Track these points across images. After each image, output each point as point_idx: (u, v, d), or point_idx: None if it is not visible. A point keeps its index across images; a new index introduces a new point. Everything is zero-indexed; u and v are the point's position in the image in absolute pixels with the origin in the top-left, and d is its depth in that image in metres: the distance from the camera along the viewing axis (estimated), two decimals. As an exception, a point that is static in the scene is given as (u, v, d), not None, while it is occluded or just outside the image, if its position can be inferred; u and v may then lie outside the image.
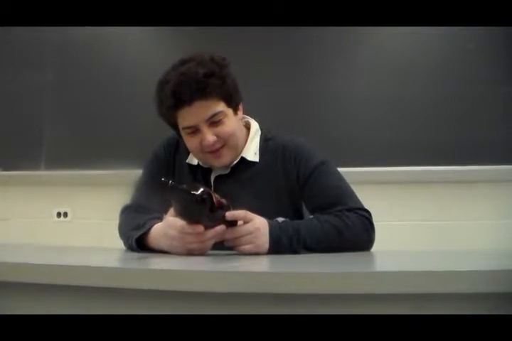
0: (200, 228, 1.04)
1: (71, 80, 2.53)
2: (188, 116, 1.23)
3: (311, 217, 1.23)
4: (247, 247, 1.08)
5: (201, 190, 1.05)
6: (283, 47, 2.33)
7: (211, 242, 1.07)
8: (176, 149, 1.39)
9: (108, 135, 2.44)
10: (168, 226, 1.10)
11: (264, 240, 1.09)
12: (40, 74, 2.54)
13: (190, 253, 1.07)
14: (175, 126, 1.29)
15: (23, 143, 2.52)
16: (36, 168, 2.49)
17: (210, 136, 1.23)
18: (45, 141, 2.51)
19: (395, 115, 2.24)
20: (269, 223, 1.11)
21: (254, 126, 1.39)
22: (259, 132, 1.39)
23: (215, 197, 1.06)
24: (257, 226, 1.09)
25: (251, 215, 1.09)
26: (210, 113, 1.23)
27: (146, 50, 2.47)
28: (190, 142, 1.27)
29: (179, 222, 1.07)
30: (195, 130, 1.24)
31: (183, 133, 1.28)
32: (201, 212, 1.04)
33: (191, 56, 1.25)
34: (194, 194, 1.03)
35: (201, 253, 1.07)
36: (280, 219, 1.18)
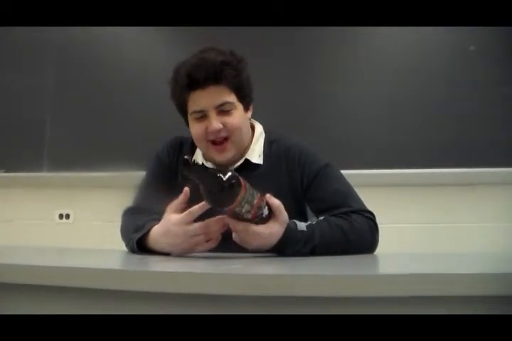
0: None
1: (72, 81, 2.54)
2: (199, 100, 1.25)
3: (322, 219, 1.19)
4: (249, 246, 1.07)
5: (229, 174, 0.98)
6: (283, 47, 2.33)
7: (216, 234, 1.05)
8: (179, 150, 1.39)
9: (110, 136, 2.45)
10: (169, 222, 1.08)
11: (268, 245, 1.08)
12: (41, 74, 2.54)
13: (193, 249, 1.06)
14: (184, 110, 1.30)
15: (24, 144, 2.52)
16: (38, 169, 2.49)
17: (216, 123, 1.24)
18: (46, 142, 2.51)
19: (395, 117, 2.23)
20: (285, 233, 1.07)
21: (259, 128, 1.40)
22: (263, 134, 1.39)
23: (244, 183, 1.00)
24: (273, 230, 1.06)
25: (280, 213, 1.06)
26: (220, 100, 1.24)
27: (146, 50, 2.47)
28: (196, 128, 1.27)
29: (179, 216, 1.06)
30: (203, 116, 1.26)
31: (190, 118, 1.29)
32: (230, 199, 0.97)
33: (212, 46, 1.28)
34: (221, 178, 0.96)
35: (206, 248, 1.06)
36: (301, 226, 1.12)
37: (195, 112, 1.26)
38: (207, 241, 1.06)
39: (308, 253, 1.09)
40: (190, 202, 1.07)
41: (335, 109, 2.29)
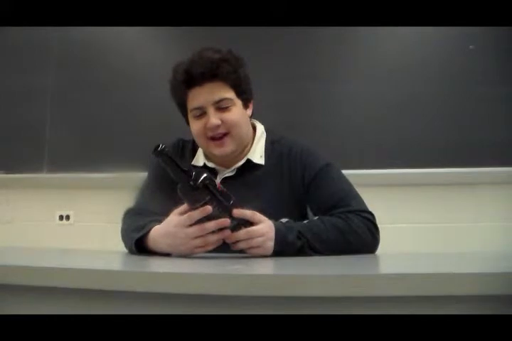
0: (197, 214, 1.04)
1: (72, 81, 2.53)
2: (197, 97, 1.27)
3: (315, 218, 1.23)
4: (255, 251, 1.08)
5: (204, 175, 1.02)
6: (283, 48, 2.33)
7: (214, 238, 1.06)
8: (181, 152, 1.39)
9: (110, 138, 2.45)
10: (170, 223, 1.10)
11: (271, 244, 1.09)
12: (41, 75, 2.54)
13: (192, 251, 1.06)
14: (185, 108, 1.32)
15: (25, 146, 2.52)
16: (38, 171, 2.49)
17: (214, 119, 1.25)
18: (47, 143, 2.51)
19: (395, 117, 2.23)
20: (274, 225, 1.11)
21: (260, 128, 1.40)
22: (265, 134, 1.39)
23: (220, 187, 1.04)
24: (266, 229, 1.09)
25: (259, 216, 1.09)
26: (218, 96, 1.26)
27: (147, 50, 2.47)
28: (195, 125, 1.29)
29: (179, 218, 1.07)
30: (202, 113, 1.27)
31: (190, 116, 1.31)
32: (202, 199, 1.02)
33: (211, 46, 1.30)
34: (195, 179, 1.00)
35: (205, 249, 1.06)
36: (284, 220, 1.17)
37: (194, 109, 1.28)
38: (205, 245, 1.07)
39: (305, 245, 1.11)
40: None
41: (334, 109, 2.29)
